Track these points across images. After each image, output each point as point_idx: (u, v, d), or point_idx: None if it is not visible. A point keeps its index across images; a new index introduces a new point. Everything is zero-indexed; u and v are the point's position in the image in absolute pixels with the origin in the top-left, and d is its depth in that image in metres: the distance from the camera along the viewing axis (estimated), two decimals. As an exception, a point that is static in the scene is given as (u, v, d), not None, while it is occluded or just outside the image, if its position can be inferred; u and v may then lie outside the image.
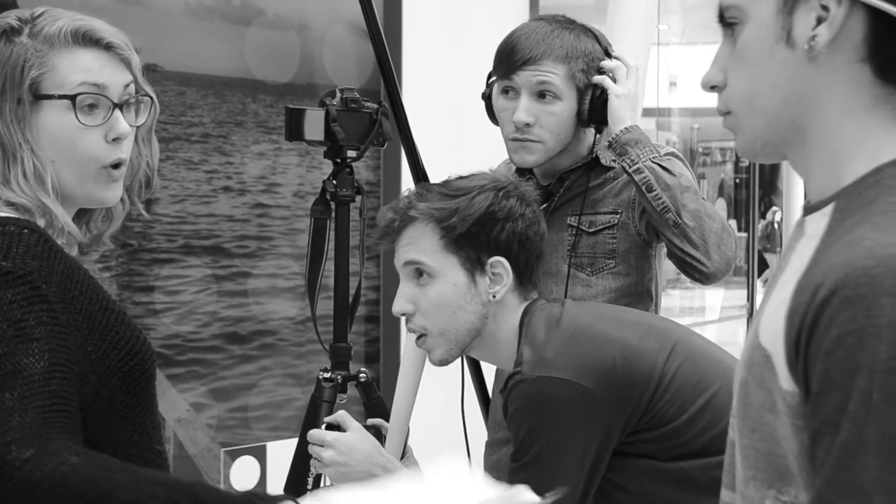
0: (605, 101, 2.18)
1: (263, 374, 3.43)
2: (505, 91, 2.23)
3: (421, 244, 1.84)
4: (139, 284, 3.12)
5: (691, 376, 1.76)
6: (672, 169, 2.12)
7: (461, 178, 1.92)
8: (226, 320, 3.32)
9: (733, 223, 11.39)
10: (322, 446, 1.92)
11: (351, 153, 2.22)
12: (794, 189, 9.97)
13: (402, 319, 1.92)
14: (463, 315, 1.84)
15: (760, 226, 10.68)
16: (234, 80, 3.30)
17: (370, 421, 2.02)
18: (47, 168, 1.43)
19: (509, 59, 2.20)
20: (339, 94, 2.20)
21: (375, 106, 2.23)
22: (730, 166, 11.77)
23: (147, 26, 3.04)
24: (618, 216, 2.23)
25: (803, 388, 0.97)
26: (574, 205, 2.26)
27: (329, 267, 2.25)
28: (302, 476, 2.17)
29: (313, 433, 1.99)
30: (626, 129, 2.13)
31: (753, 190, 9.83)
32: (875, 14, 0.99)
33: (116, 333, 1.41)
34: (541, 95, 2.19)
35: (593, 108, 2.19)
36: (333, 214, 2.24)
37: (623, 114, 2.15)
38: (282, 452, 3.43)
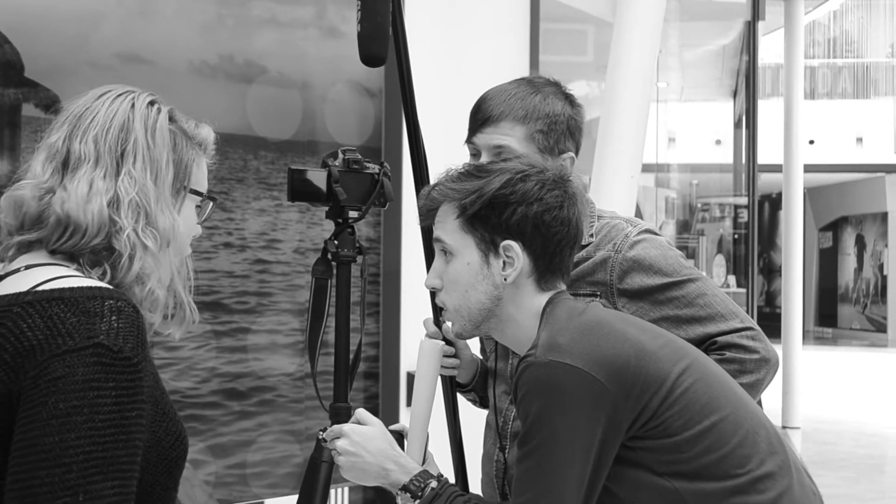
0: None
1: (262, 430, 3.41)
2: (472, 153, 2.22)
3: (445, 223, 1.89)
4: (139, 340, 3.11)
5: (702, 396, 1.76)
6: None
7: (503, 160, 1.95)
8: (225, 376, 3.31)
9: (732, 279, 11.39)
10: (339, 437, 1.93)
11: (353, 214, 2.22)
12: (794, 243, 10.00)
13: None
14: (474, 294, 1.87)
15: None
16: (235, 136, 3.32)
17: (392, 427, 2.02)
18: None
19: (472, 120, 2.21)
20: (341, 155, 2.20)
21: (377, 167, 2.23)
22: (728, 222, 11.80)
23: (150, 83, 3.05)
24: (597, 299, 2.16)
25: None
26: None
27: (329, 323, 2.25)
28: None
29: (333, 428, 1.99)
30: None
31: (752, 245, 9.85)
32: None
33: (171, 420, 1.54)
34: (500, 157, 2.14)
35: None
36: (335, 272, 2.24)
37: None
38: (279, 510, 3.41)
